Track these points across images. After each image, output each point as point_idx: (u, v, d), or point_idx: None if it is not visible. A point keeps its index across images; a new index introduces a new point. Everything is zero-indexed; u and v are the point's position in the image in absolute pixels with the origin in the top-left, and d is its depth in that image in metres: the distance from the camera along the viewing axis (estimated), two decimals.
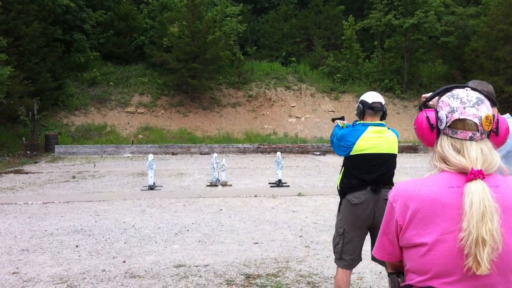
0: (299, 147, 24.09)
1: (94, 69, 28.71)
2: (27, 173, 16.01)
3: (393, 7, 31.62)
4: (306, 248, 6.84)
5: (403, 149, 23.33)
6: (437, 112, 1.74)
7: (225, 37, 29.16)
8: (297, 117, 28.74)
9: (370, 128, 4.05)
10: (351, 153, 4.07)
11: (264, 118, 28.54)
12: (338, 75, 31.41)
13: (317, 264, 6.07)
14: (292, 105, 29.60)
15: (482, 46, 29.06)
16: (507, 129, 1.75)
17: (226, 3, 32.04)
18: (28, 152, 21.68)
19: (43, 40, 24.86)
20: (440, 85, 26.51)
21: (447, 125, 1.69)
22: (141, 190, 12.29)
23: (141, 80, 29.12)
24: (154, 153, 22.54)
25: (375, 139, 4.03)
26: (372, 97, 4.13)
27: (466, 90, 1.74)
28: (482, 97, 1.72)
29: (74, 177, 14.75)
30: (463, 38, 31.42)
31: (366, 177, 3.99)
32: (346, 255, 4.00)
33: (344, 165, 4.20)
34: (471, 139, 1.66)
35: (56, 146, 22.37)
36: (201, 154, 22.99)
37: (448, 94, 1.76)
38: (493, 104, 1.77)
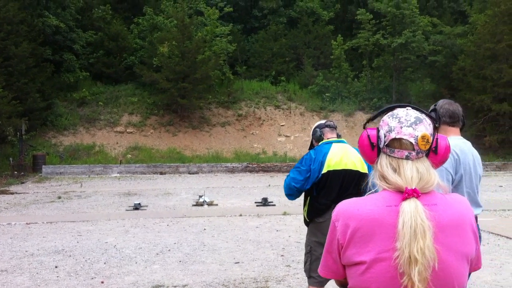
0: (288, 166, 24.06)
1: (83, 89, 28.70)
2: (12, 193, 15.90)
3: (381, 27, 32.00)
4: (286, 267, 6.83)
5: None
6: (378, 131, 1.76)
7: (215, 56, 29.28)
8: (286, 136, 28.81)
9: (334, 145, 4.16)
10: (323, 171, 4.10)
11: (253, 137, 28.59)
12: (327, 94, 31.57)
13: (296, 283, 6.05)
14: (281, 124, 29.68)
15: (470, 64, 29.33)
16: (447, 148, 1.76)
17: (216, 23, 32.24)
18: (16, 172, 21.55)
19: (32, 60, 24.86)
20: (429, 103, 26.70)
21: (385, 144, 1.72)
22: (126, 210, 12.23)
23: (130, 99, 29.14)
24: (142, 173, 22.53)
25: (340, 155, 4.12)
26: (322, 120, 4.61)
27: (407, 109, 1.76)
28: (422, 116, 1.74)
29: (59, 198, 14.66)
30: (450, 57, 31.71)
31: (332, 197, 4.02)
32: (315, 272, 4.01)
33: (309, 194, 4.25)
34: (407, 158, 1.68)
35: (43, 166, 22.25)
36: (189, 173, 22.94)
37: (389, 113, 1.78)
38: (435, 121, 1.79)
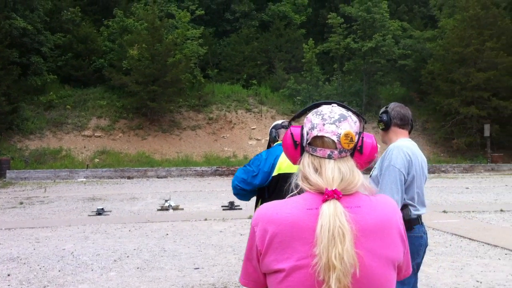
0: None
1: (51, 92, 28.14)
2: None
3: (352, 31, 32.22)
4: None
5: None
6: (302, 129, 1.65)
7: (186, 59, 29.03)
8: (257, 139, 28.71)
9: None
10: (274, 174, 3.96)
11: (224, 141, 28.41)
12: (298, 98, 31.58)
13: None
14: (252, 127, 29.58)
15: (439, 68, 29.73)
16: (373, 148, 1.65)
17: (187, 26, 31.98)
18: None
19: None
20: None
21: (308, 142, 1.60)
22: (89, 215, 11.93)
23: (99, 103, 28.68)
24: (109, 177, 22.15)
25: None
26: (279, 121, 4.43)
27: (332, 106, 1.66)
28: (347, 114, 1.63)
29: (21, 203, 14.26)
30: (420, 61, 32.11)
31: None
32: None
33: (260, 196, 4.09)
34: (329, 157, 1.56)
35: (7, 171, 21.70)
36: (158, 177, 22.64)
37: (314, 110, 1.68)
38: (362, 120, 1.68)
